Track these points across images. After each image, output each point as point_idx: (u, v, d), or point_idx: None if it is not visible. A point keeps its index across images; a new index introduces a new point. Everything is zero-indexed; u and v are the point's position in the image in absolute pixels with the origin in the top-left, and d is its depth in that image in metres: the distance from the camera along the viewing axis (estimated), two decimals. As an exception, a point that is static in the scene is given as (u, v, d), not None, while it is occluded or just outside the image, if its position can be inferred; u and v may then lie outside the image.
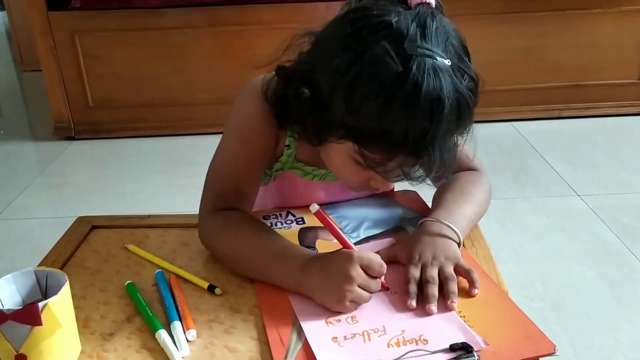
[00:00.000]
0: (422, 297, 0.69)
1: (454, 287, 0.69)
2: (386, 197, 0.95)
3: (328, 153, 0.79)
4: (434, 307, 0.67)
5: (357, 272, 0.67)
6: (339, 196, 0.93)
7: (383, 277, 0.70)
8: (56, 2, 2.62)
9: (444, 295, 0.69)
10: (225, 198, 0.82)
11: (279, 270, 0.73)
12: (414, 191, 0.95)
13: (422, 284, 0.70)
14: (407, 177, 0.73)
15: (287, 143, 0.87)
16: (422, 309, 0.67)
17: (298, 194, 0.91)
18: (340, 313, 0.67)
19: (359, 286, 0.67)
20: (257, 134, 0.84)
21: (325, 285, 0.68)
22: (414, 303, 0.68)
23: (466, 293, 0.70)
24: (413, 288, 0.70)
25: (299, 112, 0.76)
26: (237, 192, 0.84)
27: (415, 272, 0.71)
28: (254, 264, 0.75)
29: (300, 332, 0.65)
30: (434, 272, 0.71)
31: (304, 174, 0.90)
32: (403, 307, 0.68)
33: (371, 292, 0.69)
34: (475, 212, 0.84)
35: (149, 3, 2.60)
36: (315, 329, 0.65)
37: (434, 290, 0.69)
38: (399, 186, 0.99)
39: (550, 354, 0.60)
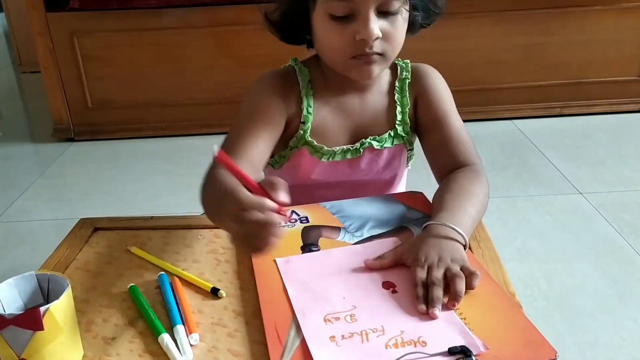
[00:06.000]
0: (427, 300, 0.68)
1: (461, 285, 0.68)
2: (391, 198, 0.94)
3: (317, 36, 0.89)
4: (437, 311, 0.66)
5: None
6: (345, 175, 0.99)
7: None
8: (54, 2, 2.61)
9: (448, 295, 0.68)
10: (228, 152, 0.83)
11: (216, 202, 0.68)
12: (420, 192, 0.94)
13: (428, 285, 0.69)
14: None
15: (302, 120, 0.94)
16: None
17: (307, 171, 0.98)
18: (338, 312, 0.66)
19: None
20: (267, 100, 0.93)
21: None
22: (424, 307, 0.66)
23: (468, 292, 0.69)
24: (421, 291, 0.68)
25: (292, 16, 0.90)
26: (239, 152, 0.87)
27: (422, 274, 0.71)
28: (210, 202, 0.75)
29: (298, 329, 0.64)
30: (439, 274, 0.70)
31: (314, 151, 0.96)
32: (404, 306, 0.67)
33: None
34: (477, 210, 0.83)
35: (147, 3, 2.59)
36: (314, 327, 0.64)
37: (439, 293, 0.68)
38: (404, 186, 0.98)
39: None
